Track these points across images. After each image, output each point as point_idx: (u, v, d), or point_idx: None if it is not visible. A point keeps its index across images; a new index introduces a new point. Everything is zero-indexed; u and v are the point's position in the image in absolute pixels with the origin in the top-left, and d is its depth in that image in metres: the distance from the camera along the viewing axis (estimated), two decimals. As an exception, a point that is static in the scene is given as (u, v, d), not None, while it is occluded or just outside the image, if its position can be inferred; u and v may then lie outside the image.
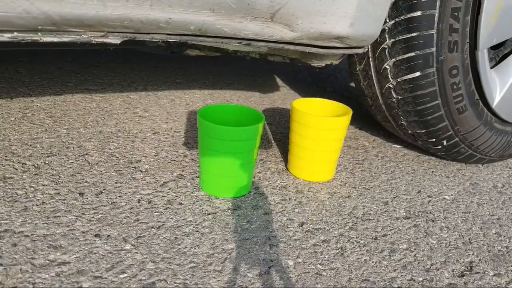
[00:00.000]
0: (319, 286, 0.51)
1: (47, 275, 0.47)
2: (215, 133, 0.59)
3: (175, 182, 0.68)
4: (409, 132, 0.80)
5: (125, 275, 0.48)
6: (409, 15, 0.66)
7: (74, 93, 0.97)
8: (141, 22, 0.52)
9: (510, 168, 0.89)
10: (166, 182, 0.67)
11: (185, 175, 0.70)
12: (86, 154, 0.72)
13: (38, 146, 0.72)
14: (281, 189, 0.70)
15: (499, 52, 0.81)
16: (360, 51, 0.67)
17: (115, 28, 0.53)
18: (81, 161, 0.70)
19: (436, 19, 0.65)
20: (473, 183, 0.81)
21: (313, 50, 0.64)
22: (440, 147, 0.81)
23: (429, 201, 0.73)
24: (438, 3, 0.64)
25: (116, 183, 0.65)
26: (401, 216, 0.67)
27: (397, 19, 0.68)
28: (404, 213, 0.68)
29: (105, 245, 0.52)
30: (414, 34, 0.67)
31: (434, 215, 0.69)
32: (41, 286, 0.45)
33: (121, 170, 0.69)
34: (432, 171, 0.84)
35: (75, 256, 0.50)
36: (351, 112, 0.70)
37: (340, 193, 0.71)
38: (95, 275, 0.48)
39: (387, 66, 0.71)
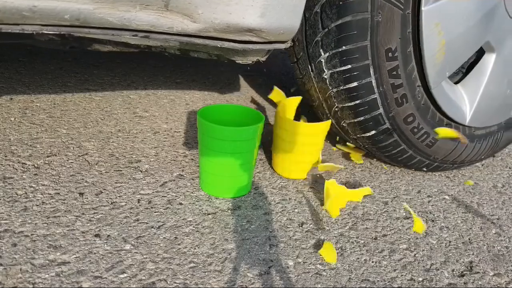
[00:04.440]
0: (319, 286, 0.51)
1: (47, 275, 0.47)
2: (215, 133, 0.59)
3: (175, 182, 0.68)
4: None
5: (125, 275, 0.48)
6: (347, 86, 0.64)
7: (74, 93, 0.97)
8: None
9: (510, 168, 0.89)
10: (166, 182, 0.67)
11: (185, 175, 0.70)
12: (86, 154, 0.72)
13: (38, 146, 0.72)
14: (281, 189, 0.70)
15: (464, 64, 0.78)
16: (282, 46, 0.61)
17: None
18: (81, 161, 0.70)
19: (374, 85, 0.63)
20: (473, 183, 0.81)
21: (226, 44, 0.57)
22: (423, 171, 0.82)
23: (429, 201, 0.73)
24: (372, 71, 0.62)
25: (116, 183, 0.65)
26: (401, 216, 0.67)
27: (337, 89, 0.67)
28: (404, 213, 0.68)
29: (105, 245, 0.52)
30: (357, 101, 0.66)
31: (434, 215, 0.69)
32: (41, 286, 0.45)
33: (121, 170, 0.69)
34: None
35: (75, 256, 0.50)
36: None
37: (340, 193, 0.71)
38: (95, 275, 0.48)
39: (344, 125, 0.71)
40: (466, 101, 0.76)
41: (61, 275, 0.47)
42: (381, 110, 0.65)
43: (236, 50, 0.59)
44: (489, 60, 0.74)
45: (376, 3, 0.58)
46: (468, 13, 0.65)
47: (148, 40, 0.57)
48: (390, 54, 0.61)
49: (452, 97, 0.74)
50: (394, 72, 0.63)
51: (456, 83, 0.77)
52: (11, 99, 0.88)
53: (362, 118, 0.66)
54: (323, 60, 0.63)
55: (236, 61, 0.67)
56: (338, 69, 0.63)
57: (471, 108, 0.75)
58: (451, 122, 0.74)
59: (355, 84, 0.63)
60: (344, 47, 0.60)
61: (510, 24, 0.71)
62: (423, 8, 0.61)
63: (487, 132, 0.81)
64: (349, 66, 0.62)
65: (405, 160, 0.74)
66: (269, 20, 0.54)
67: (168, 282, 0.48)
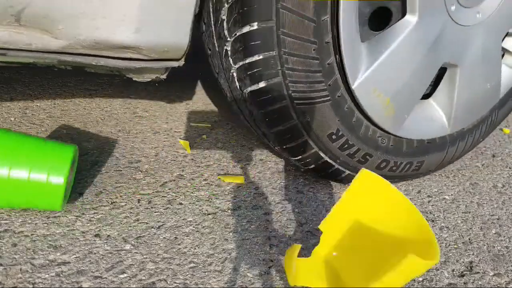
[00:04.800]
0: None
1: (47, 275, 0.47)
2: None
3: (175, 182, 0.68)
4: None
5: (125, 275, 0.48)
6: (307, 167, 0.68)
7: (74, 93, 0.97)
8: None
9: (510, 168, 0.89)
10: (166, 182, 0.67)
11: (185, 175, 0.70)
12: (86, 154, 0.72)
13: (38, 146, 0.72)
14: (281, 189, 0.70)
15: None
16: (175, 64, 0.57)
17: None
18: (81, 161, 0.70)
19: (330, 161, 0.65)
20: (473, 183, 0.81)
21: (103, 62, 0.52)
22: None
23: (429, 201, 0.73)
24: (322, 154, 0.64)
25: (116, 183, 0.65)
26: (401, 216, 0.67)
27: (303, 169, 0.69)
28: (404, 213, 0.68)
29: (105, 245, 0.52)
30: (321, 174, 0.69)
31: (434, 215, 0.69)
32: (41, 286, 0.45)
33: (121, 170, 0.69)
34: (432, 171, 0.84)
35: (75, 256, 0.50)
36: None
37: (340, 193, 0.71)
38: (95, 275, 0.48)
39: None
40: (441, 113, 0.73)
41: (61, 275, 0.47)
42: (348, 172, 0.68)
43: (127, 68, 0.55)
44: (454, 73, 0.70)
45: (300, 109, 0.59)
46: (409, 57, 0.62)
47: (8, 57, 0.51)
48: (334, 137, 0.63)
49: (424, 120, 0.71)
50: (346, 145, 0.64)
51: (427, 95, 0.74)
52: (11, 99, 0.88)
53: (333, 178, 0.71)
54: (277, 149, 0.67)
55: (134, 79, 0.63)
56: (293, 159, 0.67)
57: (449, 119, 0.72)
58: (433, 139, 0.73)
59: (313, 166, 0.67)
60: (287, 145, 0.64)
61: (463, 31, 0.65)
62: (354, 87, 0.59)
63: (478, 121, 0.78)
64: (300, 157, 0.65)
65: (398, 182, 0.76)
66: (145, 36, 0.49)
67: (168, 282, 0.48)
